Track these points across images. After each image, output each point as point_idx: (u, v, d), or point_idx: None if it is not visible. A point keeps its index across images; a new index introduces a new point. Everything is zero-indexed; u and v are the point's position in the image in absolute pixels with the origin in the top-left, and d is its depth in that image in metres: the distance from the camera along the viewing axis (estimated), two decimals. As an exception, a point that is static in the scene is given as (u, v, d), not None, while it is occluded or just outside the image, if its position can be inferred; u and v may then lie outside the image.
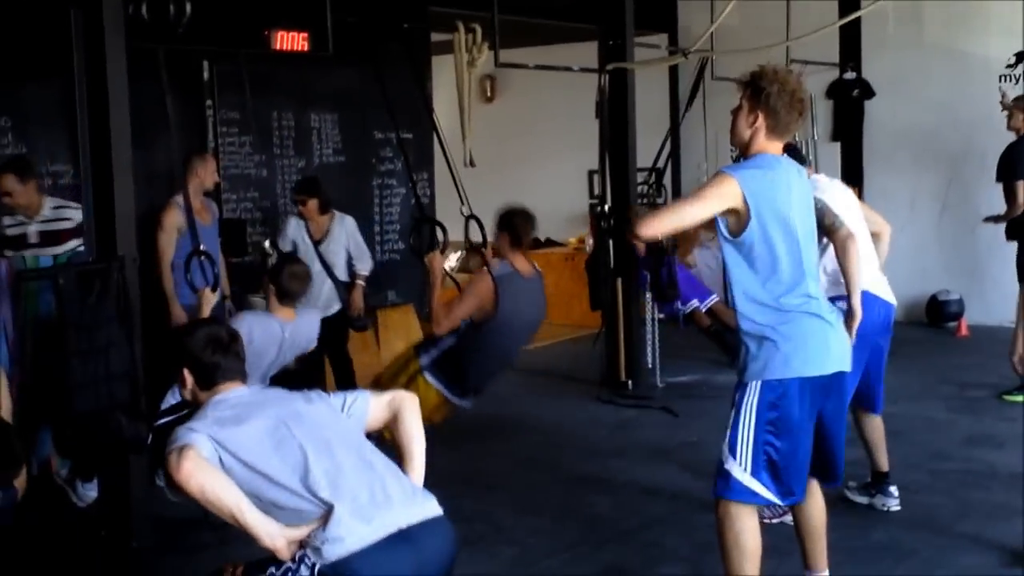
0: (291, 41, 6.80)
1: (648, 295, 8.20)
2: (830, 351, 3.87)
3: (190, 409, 3.46)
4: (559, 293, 10.82)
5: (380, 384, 5.72)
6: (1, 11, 5.67)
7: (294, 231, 6.94)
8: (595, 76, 8.35)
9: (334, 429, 3.29)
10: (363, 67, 7.78)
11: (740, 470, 3.80)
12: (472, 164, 7.09)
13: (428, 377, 5.71)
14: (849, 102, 10.94)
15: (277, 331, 5.47)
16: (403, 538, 3.10)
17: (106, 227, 5.13)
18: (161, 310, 6.16)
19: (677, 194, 11.17)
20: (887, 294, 5.44)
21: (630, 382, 8.19)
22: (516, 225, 5.78)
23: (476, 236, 6.19)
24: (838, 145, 11.07)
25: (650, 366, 8.37)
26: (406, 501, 3.19)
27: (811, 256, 3.87)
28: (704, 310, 7.80)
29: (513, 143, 12.37)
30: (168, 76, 5.62)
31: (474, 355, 5.74)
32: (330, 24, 6.62)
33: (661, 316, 8.48)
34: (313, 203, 6.90)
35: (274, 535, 3.05)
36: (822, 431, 3.96)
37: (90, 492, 5.53)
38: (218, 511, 3.03)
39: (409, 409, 3.46)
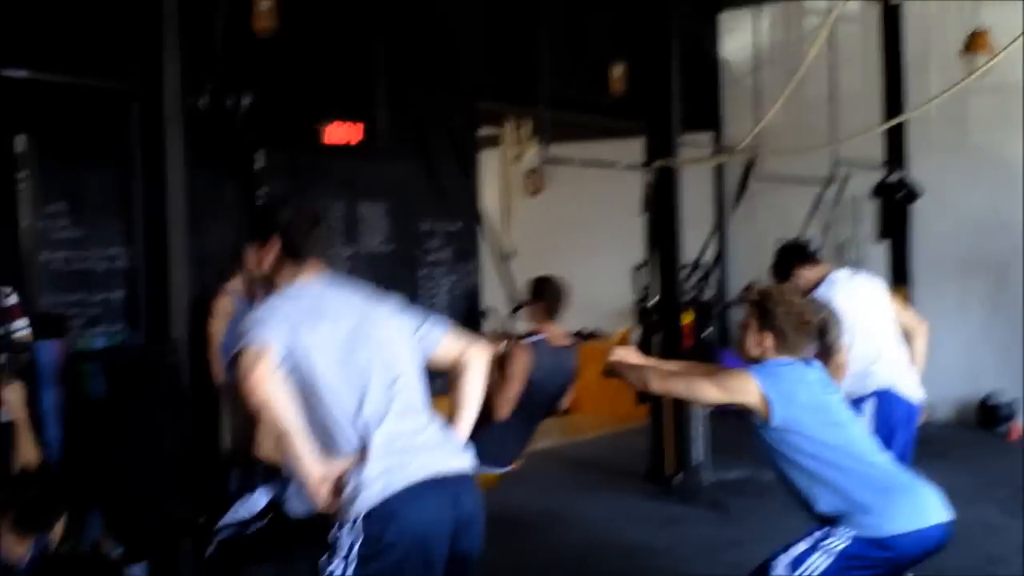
0: (343, 134, 6.93)
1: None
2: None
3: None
4: (604, 385, 10.77)
5: None
6: (61, 98, 5.79)
7: None
8: (639, 172, 8.41)
9: (399, 356, 3.19)
10: (412, 159, 7.91)
11: None
12: (512, 255, 7.10)
13: None
14: (894, 203, 10.93)
15: None
16: (441, 484, 3.06)
17: (160, 311, 5.19)
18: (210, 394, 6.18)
19: (723, 292, 11.17)
20: (912, 391, 5.43)
21: (677, 477, 8.10)
22: (548, 294, 5.74)
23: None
24: (885, 244, 11.04)
25: (698, 461, 8.27)
26: (447, 450, 3.16)
27: None
28: None
29: (559, 236, 12.42)
30: (223, 164, 5.72)
31: (496, 426, 5.55)
32: (383, 117, 6.74)
33: (710, 409, 8.40)
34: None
35: (315, 467, 2.97)
36: None
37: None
38: (271, 424, 2.96)
39: (477, 367, 3.34)
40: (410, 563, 3.01)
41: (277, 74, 6.63)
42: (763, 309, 3.87)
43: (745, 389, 3.76)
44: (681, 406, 8.16)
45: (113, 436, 4.92)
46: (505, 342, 5.56)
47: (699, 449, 8.30)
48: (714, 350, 7.70)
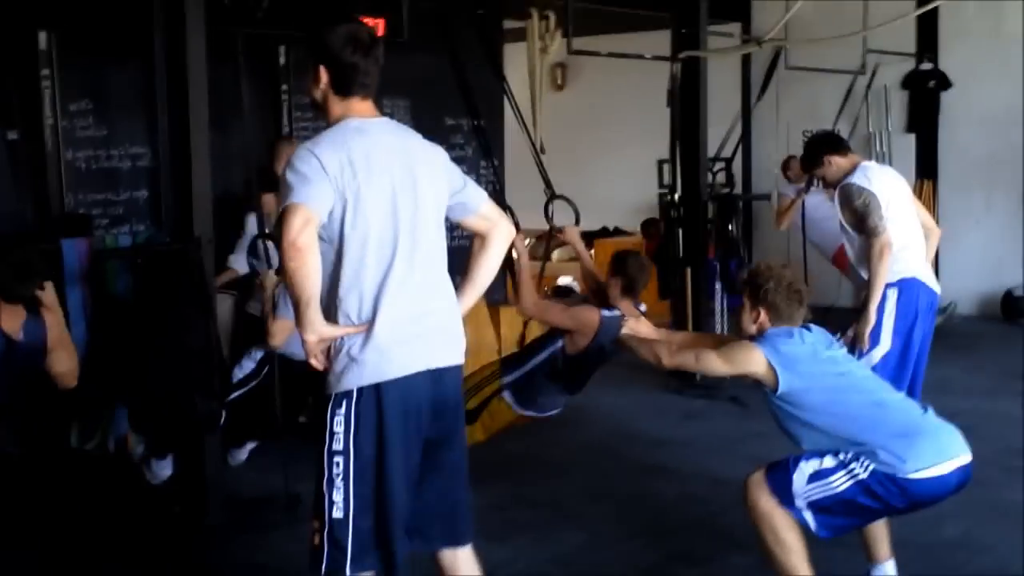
0: (366, 26, 6.85)
1: (718, 285, 8.15)
2: None
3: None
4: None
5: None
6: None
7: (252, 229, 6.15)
8: (667, 65, 8.31)
9: (429, 224, 3.23)
10: (436, 53, 7.80)
11: (804, 497, 3.82)
12: (543, 151, 7.09)
13: (506, 396, 5.63)
14: (925, 93, 10.78)
15: None
16: (428, 374, 3.20)
17: (183, 209, 5.21)
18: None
19: (748, 185, 11.10)
20: (933, 283, 5.50)
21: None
22: (630, 272, 5.59)
23: (560, 219, 6.26)
24: (913, 137, 10.92)
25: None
26: (443, 341, 3.26)
27: None
28: None
29: (583, 132, 12.36)
30: (245, 60, 5.69)
31: (553, 381, 5.64)
32: (406, 10, 6.65)
33: (731, 307, 8.43)
34: (270, 198, 5.92)
35: (316, 330, 3.06)
36: None
37: (164, 470, 5.62)
38: (291, 287, 3.03)
39: (500, 242, 3.40)
40: (391, 437, 3.16)
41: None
42: (754, 286, 3.98)
43: (751, 360, 3.86)
44: (702, 302, 8.19)
45: (138, 334, 4.98)
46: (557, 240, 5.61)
47: (721, 343, 8.33)
48: (730, 252, 7.73)
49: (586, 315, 5.53)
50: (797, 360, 3.83)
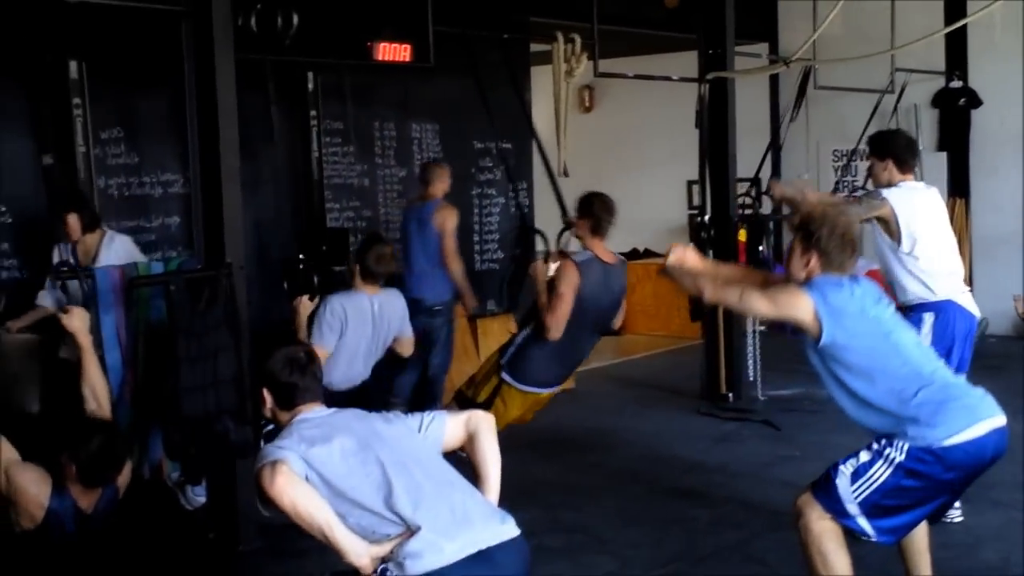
0: (393, 52, 6.88)
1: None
2: None
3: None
4: (658, 304, 10.80)
5: (474, 383, 5.73)
6: (113, 23, 5.80)
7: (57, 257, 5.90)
8: (694, 86, 8.30)
9: (413, 450, 3.36)
10: (463, 77, 7.84)
11: (853, 501, 3.76)
12: (566, 174, 7.08)
13: (504, 374, 5.61)
14: (955, 111, 10.71)
15: (366, 305, 5.64)
16: (482, 558, 3.16)
17: (215, 235, 5.24)
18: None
19: (778, 207, 11.04)
20: (971, 305, 5.39)
21: (731, 395, 8.12)
22: (596, 211, 5.63)
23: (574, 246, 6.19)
24: (944, 155, 10.85)
25: (751, 378, 8.27)
26: (486, 521, 3.25)
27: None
28: None
29: (611, 153, 12.34)
30: (274, 87, 5.71)
31: (545, 347, 5.56)
32: (432, 36, 6.68)
33: (763, 328, 8.38)
34: (74, 219, 5.74)
35: (361, 554, 3.13)
36: None
37: (199, 496, 5.61)
38: (308, 526, 3.11)
39: (485, 430, 3.52)
40: None
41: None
42: (807, 231, 3.87)
43: (797, 304, 3.77)
44: (734, 324, 8.15)
45: (171, 360, 4.99)
46: (556, 264, 5.54)
47: (752, 367, 8.30)
48: (768, 266, 7.63)
49: (570, 276, 5.47)
50: (844, 313, 3.74)
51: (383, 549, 3.15)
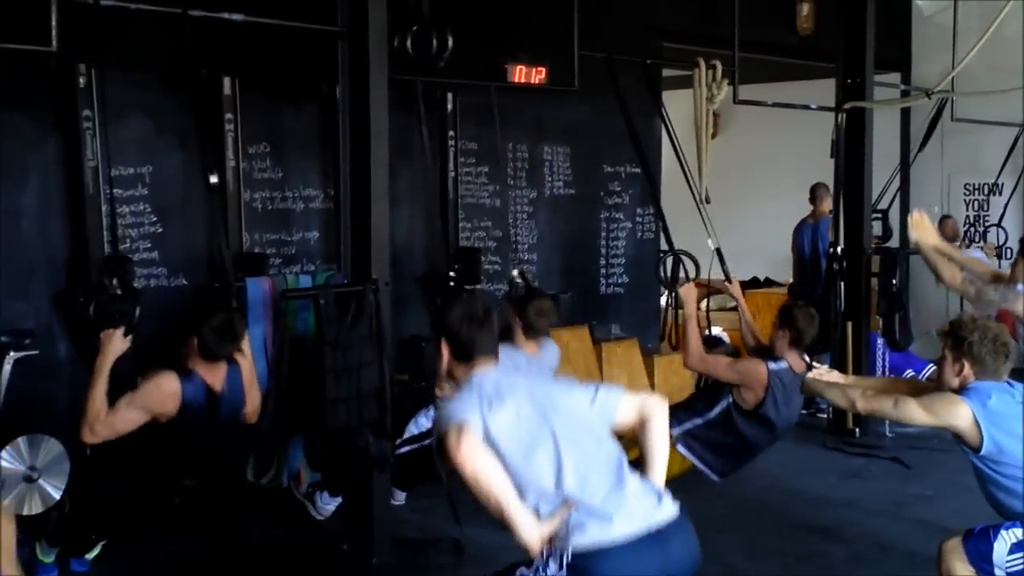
0: (528, 75, 6.95)
1: (880, 341, 7.99)
2: None
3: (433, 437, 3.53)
4: (780, 334, 10.65)
5: None
6: (268, 41, 5.94)
7: None
8: (819, 115, 8.25)
9: (585, 423, 3.28)
10: (596, 101, 7.87)
11: (1004, 568, 3.72)
12: (708, 200, 7.07)
13: (680, 447, 5.61)
14: (1096, 148, 10.43)
15: (523, 365, 5.56)
16: (651, 539, 3.11)
17: (362, 252, 5.33)
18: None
19: (904, 240, 10.85)
20: None
21: (857, 429, 7.99)
22: (799, 324, 5.55)
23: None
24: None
25: (879, 414, 8.12)
26: (651, 501, 3.20)
27: None
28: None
29: (735, 180, 12.22)
30: (424, 108, 5.79)
31: (732, 438, 5.63)
32: (577, 60, 6.73)
33: (893, 364, 8.23)
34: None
35: (533, 532, 3.07)
36: None
37: (328, 505, 5.69)
38: (484, 497, 3.05)
39: (659, 415, 3.40)
40: None
41: (465, 14, 6.66)
42: (957, 338, 3.88)
43: (956, 413, 3.77)
44: (862, 359, 8.02)
45: (316, 372, 5.09)
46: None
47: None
48: (894, 307, 7.65)
49: (752, 367, 5.52)
50: (1004, 418, 3.72)
51: (552, 528, 3.09)
